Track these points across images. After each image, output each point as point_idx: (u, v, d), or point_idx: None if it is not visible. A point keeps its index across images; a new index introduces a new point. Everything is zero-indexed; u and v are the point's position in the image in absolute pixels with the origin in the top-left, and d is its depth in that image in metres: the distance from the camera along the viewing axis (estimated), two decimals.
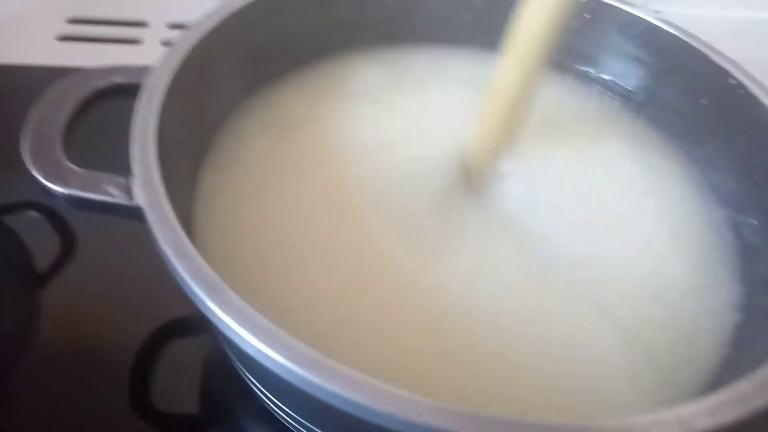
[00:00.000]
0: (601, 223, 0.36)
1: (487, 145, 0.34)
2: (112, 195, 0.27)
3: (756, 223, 0.35)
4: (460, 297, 0.31)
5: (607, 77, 0.43)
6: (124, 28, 0.55)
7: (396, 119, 0.39)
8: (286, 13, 0.38)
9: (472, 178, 0.35)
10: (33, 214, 0.46)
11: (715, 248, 0.35)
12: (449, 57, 0.44)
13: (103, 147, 0.32)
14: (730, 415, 0.22)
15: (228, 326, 0.22)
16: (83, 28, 0.54)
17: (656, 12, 0.40)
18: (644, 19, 0.40)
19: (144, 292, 0.40)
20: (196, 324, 0.40)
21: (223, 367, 0.36)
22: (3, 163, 0.45)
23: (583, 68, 0.44)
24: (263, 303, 0.23)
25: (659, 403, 0.29)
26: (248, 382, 0.31)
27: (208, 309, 0.23)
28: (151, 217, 0.25)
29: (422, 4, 0.42)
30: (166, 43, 0.54)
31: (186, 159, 0.33)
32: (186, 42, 0.33)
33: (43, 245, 0.43)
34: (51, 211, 0.45)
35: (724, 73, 0.37)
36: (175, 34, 0.54)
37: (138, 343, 0.38)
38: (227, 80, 0.36)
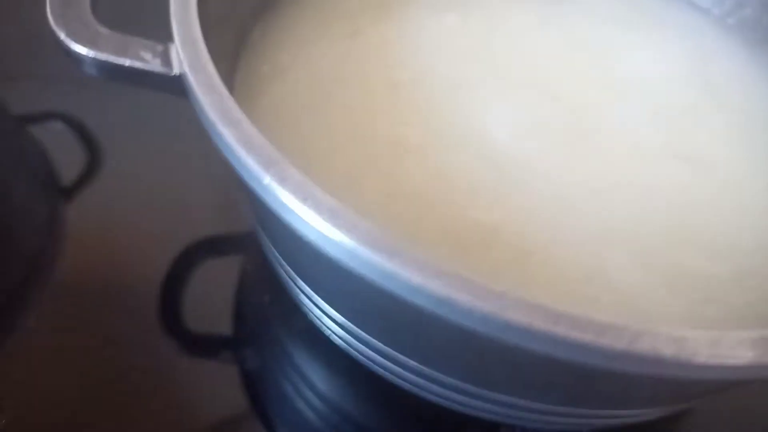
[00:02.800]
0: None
1: None
2: (148, 61, 0.23)
3: None
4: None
5: None
6: None
7: None
8: None
9: None
10: (58, 125, 0.43)
11: None
12: None
13: (138, 13, 0.28)
14: None
15: (286, 206, 0.19)
16: None
17: None
18: None
19: (174, 209, 0.38)
20: (230, 242, 0.37)
21: (262, 284, 0.34)
22: (29, 71, 0.42)
23: None
24: None
25: None
26: (296, 289, 0.28)
27: (263, 186, 0.19)
28: (194, 80, 0.21)
29: None
30: None
31: (228, 34, 0.29)
32: None
33: (68, 158, 0.40)
34: (77, 122, 0.42)
35: None
36: None
37: (168, 261, 0.35)
38: None
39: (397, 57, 0.32)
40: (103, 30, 0.24)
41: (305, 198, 0.18)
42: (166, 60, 0.23)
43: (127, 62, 0.23)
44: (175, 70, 0.23)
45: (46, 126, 0.43)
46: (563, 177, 0.28)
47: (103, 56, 0.23)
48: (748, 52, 0.36)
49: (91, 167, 0.40)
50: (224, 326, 0.34)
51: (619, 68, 0.34)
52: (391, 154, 0.28)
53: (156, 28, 0.24)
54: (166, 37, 0.24)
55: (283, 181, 0.19)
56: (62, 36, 0.23)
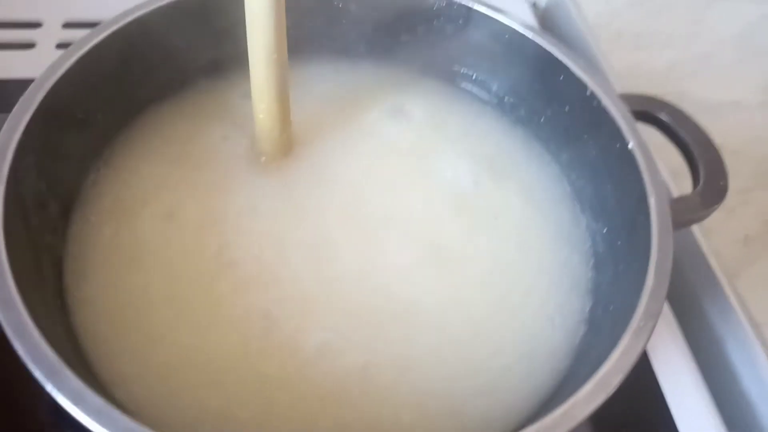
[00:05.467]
0: (459, 233, 0.38)
1: (266, 127, 0.38)
2: None
3: (605, 230, 0.37)
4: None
5: (482, 78, 0.44)
6: (14, 31, 0.54)
7: None
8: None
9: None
10: None
11: (576, 259, 0.38)
12: None
13: None
14: None
15: (66, 404, 0.24)
16: None
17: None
18: (512, 28, 0.40)
19: None
20: None
21: None
22: None
23: (462, 70, 0.44)
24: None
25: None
26: None
27: (48, 390, 0.25)
28: None
29: None
30: (63, 46, 0.53)
31: (54, 204, 0.34)
32: (38, 91, 0.33)
33: None
34: None
35: (582, 85, 0.38)
36: (73, 34, 0.53)
37: None
38: (92, 121, 0.37)
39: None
40: None
41: (77, 402, 0.24)
42: None
43: None
44: None
45: None
46: None
47: None
48: (523, 141, 0.43)
49: None
50: None
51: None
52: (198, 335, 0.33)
53: None
54: None
55: (60, 389, 0.24)
56: None
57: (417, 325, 0.34)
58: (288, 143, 0.39)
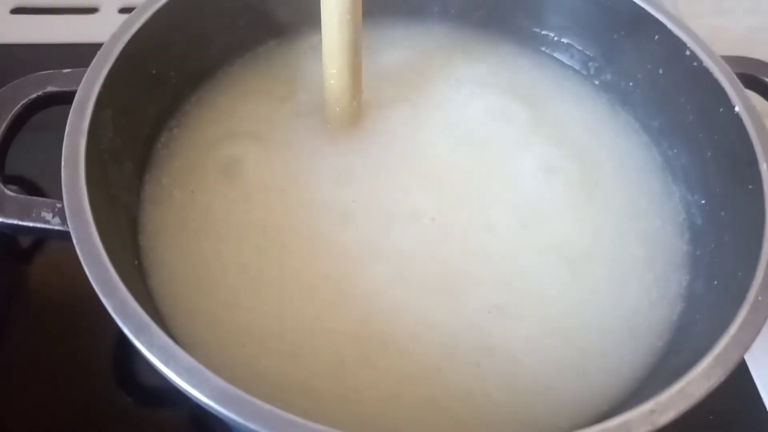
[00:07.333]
0: (551, 206, 0.36)
1: (336, 93, 0.36)
2: (48, 221, 0.27)
3: (703, 201, 0.35)
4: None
5: (566, 41, 0.42)
6: None
7: None
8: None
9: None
10: None
11: (669, 232, 0.35)
12: None
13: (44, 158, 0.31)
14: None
15: (154, 363, 0.23)
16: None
17: None
18: None
19: None
20: None
21: None
22: None
23: (544, 32, 0.42)
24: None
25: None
26: None
27: (135, 346, 0.24)
28: (80, 251, 0.25)
29: None
30: (126, 10, 0.52)
31: (130, 162, 0.33)
32: (116, 44, 0.32)
33: None
34: None
35: (681, 44, 0.35)
36: None
37: None
38: (165, 79, 0.36)
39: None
40: (9, 193, 0.28)
41: (167, 361, 0.23)
42: (65, 217, 0.27)
43: (30, 224, 0.27)
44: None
45: None
46: None
47: (9, 221, 0.27)
48: (609, 108, 0.41)
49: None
50: None
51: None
52: (273, 286, 0.32)
53: None
54: None
55: (150, 346, 0.23)
56: None
57: (509, 297, 0.32)
58: (357, 112, 0.37)
